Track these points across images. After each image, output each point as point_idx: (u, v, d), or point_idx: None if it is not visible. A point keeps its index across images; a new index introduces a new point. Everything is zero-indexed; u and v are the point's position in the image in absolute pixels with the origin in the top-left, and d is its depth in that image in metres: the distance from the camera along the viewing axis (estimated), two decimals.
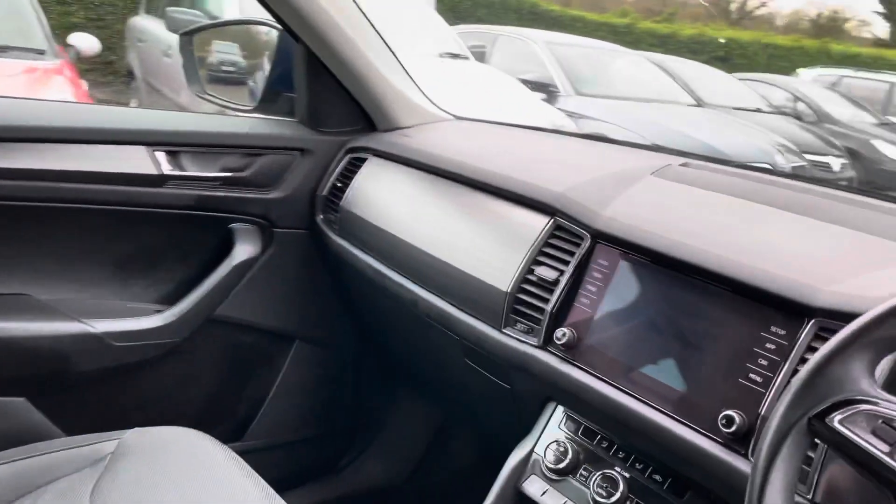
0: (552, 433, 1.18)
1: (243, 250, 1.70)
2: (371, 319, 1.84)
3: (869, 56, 19.64)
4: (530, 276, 1.22)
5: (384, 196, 1.59)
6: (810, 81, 11.71)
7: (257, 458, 1.80)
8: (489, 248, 1.31)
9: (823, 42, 20.42)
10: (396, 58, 1.76)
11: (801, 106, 9.75)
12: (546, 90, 6.64)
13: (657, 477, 1.07)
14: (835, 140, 8.46)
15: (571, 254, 1.19)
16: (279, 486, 1.86)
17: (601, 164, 1.40)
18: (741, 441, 0.94)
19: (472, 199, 1.41)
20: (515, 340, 1.22)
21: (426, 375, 1.77)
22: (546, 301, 1.19)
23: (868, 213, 1.12)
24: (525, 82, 6.38)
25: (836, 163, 7.92)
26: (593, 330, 1.14)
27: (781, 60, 17.77)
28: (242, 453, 1.78)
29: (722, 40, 18.60)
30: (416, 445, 2.07)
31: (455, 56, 6.40)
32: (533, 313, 1.20)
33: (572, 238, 1.21)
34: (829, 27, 27.22)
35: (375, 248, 1.56)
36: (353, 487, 2.05)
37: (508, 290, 1.23)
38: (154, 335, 1.62)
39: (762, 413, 0.92)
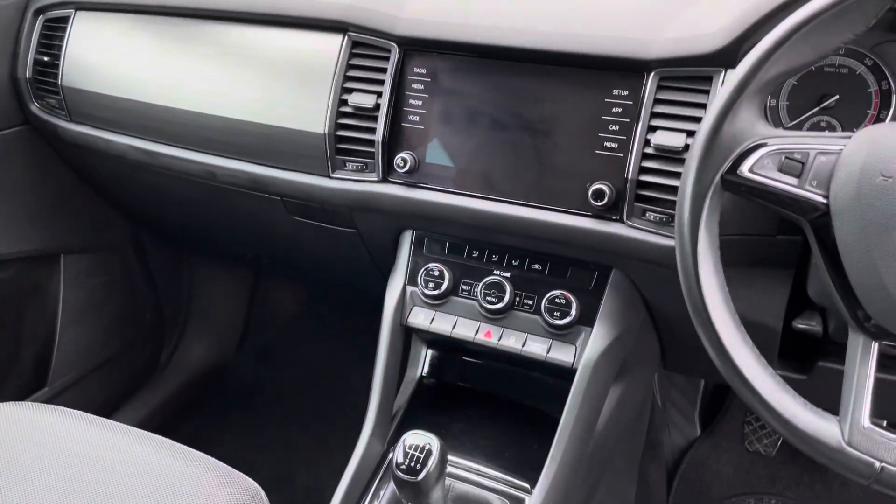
0: (419, 260, 1.14)
1: None
2: (146, 205, 1.58)
3: None
4: (345, 109, 1.09)
5: (121, 60, 1.28)
6: None
7: (73, 395, 1.58)
8: (286, 89, 1.13)
9: None
10: None
11: None
12: None
13: (536, 266, 1.09)
14: None
15: (383, 71, 1.07)
16: (106, 410, 1.68)
17: None
18: (612, 209, 0.97)
19: (239, 36, 1.18)
20: (351, 182, 1.11)
21: (237, 245, 1.61)
22: (372, 131, 1.08)
23: None
24: None
25: None
26: (433, 147, 1.06)
27: None
28: (52, 398, 1.55)
29: None
30: (235, 313, 1.94)
31: None
32: (362, 148, 1.09)
33: (378, 53, 1.08)
34: None
35: (133, 125, 1.28)
36: (182, 379, 1.91)
37: (326, 131, 1.10)
38: None
39: (628, 177, 0.95)
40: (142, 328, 1.79)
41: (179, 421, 1.86)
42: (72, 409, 1.10)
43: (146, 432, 1.05)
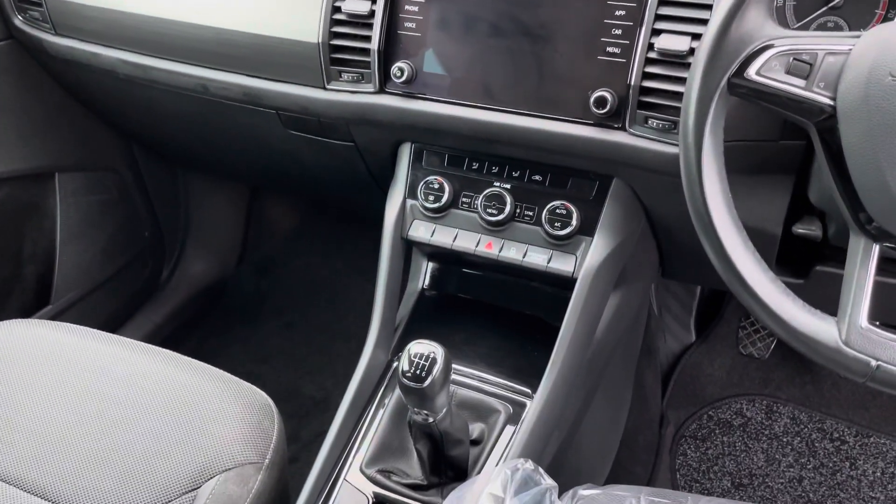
0: (418, 173, 1.13)
1: None
2: (138, 122, 1.56)
3: None
4: (339, 17, 1.06)
5: None
6: None
7: (76, 313, 1.60)
8: None
9: None
10: None
11: None
12: None
13: (537, 177, 1.08)
14: None
15: None
16: (110, 327, 1.70)
17: None
18: (614, 116, 0.96)
19: None
20: (347, 94, 1.09)
21: (233, 161, 1.59)
22: (367, 39, 1.05)
23: None
24: None
25: None
26: (430, 55, 1.04)
27: None
28: (56, 316, 1.57)
29: None
30: (234, 228, 1.94)
31: None
32: (357, 58, 1.07)
33: None
34: None
35: (121, 38, 1.25)
36: (184, 295, 1.92)
37: (320, 41, 1.07)
38: None
39: (631, 83, 0.93)
40: (141, 246, 1.79)
41: (183, 336, 1.89)
42: (78, 325, 1.11)
43: (154, 346, 1.07)
